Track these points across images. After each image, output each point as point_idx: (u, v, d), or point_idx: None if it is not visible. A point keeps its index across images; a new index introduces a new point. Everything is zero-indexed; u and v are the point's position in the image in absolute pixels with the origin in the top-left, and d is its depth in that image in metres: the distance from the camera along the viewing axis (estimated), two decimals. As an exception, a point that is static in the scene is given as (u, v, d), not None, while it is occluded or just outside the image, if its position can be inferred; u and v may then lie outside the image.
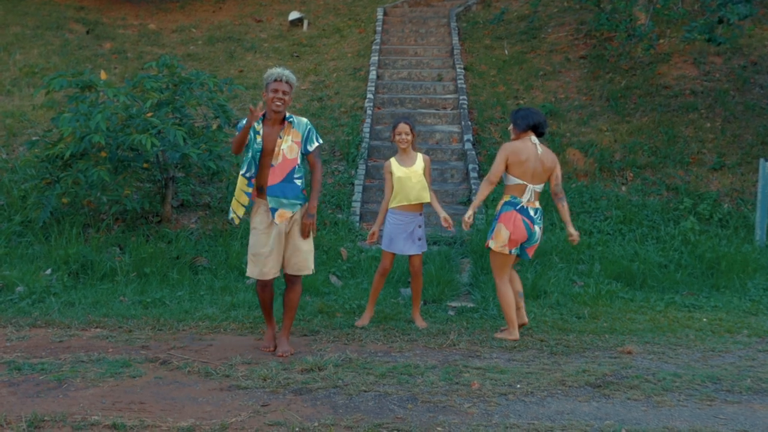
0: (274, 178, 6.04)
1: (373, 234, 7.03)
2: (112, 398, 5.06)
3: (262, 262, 6.03)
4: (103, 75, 9.60)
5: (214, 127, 9.93)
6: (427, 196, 7.00)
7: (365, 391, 5.20)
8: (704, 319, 7.41)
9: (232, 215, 6.26)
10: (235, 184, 10.26)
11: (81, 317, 7.13)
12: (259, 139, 6.02)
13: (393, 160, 7.03)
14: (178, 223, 9.83)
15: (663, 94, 13.10)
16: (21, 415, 4.63)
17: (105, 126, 8.62)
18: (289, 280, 6.20)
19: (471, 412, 4.85)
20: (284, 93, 5.99)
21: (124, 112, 9.08)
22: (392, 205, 6.98)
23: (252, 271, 6.11)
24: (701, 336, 6.82)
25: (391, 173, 6.98)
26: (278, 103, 5.95)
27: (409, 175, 6.93)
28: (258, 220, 6.08)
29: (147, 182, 10.09)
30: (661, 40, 14.16)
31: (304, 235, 6.10)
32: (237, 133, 6.01)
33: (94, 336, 6.61)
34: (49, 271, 8.43)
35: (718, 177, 11.24)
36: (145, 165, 9.50)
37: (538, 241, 6.69)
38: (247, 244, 8.96)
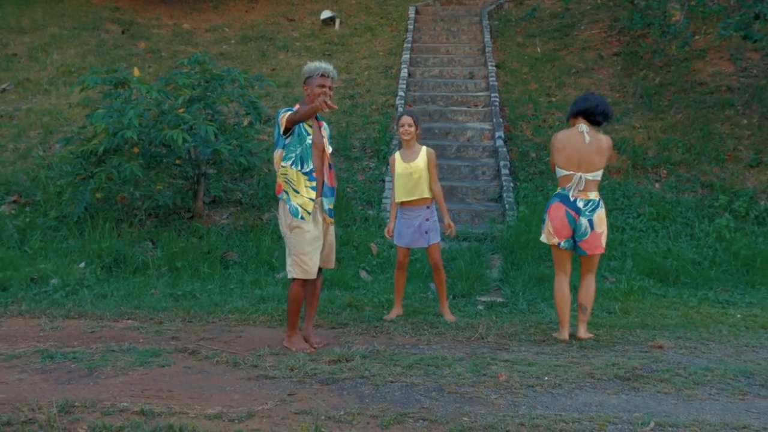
0: (332, 179, 6.09)
1: (389, 230, 7.09)
2: (141, 386, 5.11)
3: (314, 262, 5.94)
4: (136, 72, 9.70)
5: (245, 123, 9.99)
6: (425, 193, 6.94)
7: (392, 382, 5.19)
8: (738, 315, 7.29)
9: (301, 213, 5.86)
10: (267, 180, 10.41)
11: (113, 309, 7.21)
12: (311, 132, 5.96)
13: (396, 155, 7.04)
14: (210, 219, 9.90)
15: (698, 90, 12.94)
16: (52, 401, 4.69)
17: (137, 122, 8.72)
18: (319, 274, 6.21)
19: (498, 403, 4.82)
20: (330, 89, 5.91)
21: (156, 108, 9.17)
22: (396, 199, 7.00)
23: (302, 273, 5.88)
24: (735, 331, 6.71)
25: (393, 168, 7.01)
26: (327, 100, 5.66)
27: (410, 171, 6.91)
28: (311, 220, 5.94)
29: (179, 178, 10.17)
30: (697, 37, 13.99)
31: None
32: (295, 113, 5.73)
33: (125, 327, 6.68)
34: (82, 265, 8.54)
35: (754, 174, 11.06)
36: (177, 161, 9.59)
37: (589, 235, 6.17)
38: (278, 240, 9.14)
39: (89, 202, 9.46)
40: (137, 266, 8.58)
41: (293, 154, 5.88)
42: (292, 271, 5.92)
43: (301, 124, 5.85)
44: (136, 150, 9.16)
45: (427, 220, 6.93)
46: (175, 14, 17.74)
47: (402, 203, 6.99)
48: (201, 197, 9.86)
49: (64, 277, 8.11)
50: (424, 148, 7.00)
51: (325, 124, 6.20)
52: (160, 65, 14.55)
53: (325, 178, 6.04)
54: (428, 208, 6.96)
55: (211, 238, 9.23)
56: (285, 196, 5.93)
